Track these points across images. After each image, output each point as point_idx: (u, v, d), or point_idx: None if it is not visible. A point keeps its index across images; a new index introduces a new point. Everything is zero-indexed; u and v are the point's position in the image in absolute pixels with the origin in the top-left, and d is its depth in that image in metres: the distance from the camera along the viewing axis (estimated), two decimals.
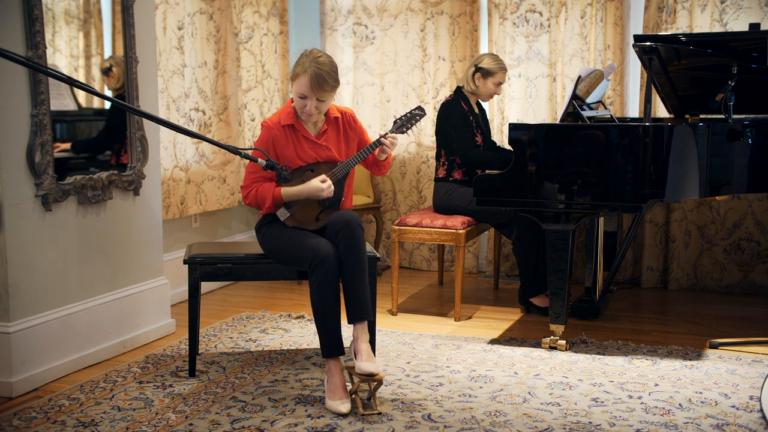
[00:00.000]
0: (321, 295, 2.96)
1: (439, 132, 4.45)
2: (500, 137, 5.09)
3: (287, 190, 3.14)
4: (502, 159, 4.26)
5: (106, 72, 3.61)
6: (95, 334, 3.48)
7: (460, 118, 4.35)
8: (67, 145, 3.44)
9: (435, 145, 5.10)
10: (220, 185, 4.84)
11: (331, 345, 2.97)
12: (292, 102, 3.21)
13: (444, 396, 3.04)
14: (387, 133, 3.22)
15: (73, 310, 3.37)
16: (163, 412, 2.88)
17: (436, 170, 4.47)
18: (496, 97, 5.09)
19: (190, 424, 2.77)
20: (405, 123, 3.30)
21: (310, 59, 3.06)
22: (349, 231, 3.03)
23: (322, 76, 3.03)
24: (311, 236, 3.09)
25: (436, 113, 4.64)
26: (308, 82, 3.04)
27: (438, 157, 4.47)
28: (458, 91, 4.47)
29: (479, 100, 4.55)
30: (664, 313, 4.37)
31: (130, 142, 3.68)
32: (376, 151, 3.25)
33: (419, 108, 3.33)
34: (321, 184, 3.11)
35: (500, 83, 4.43)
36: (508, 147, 4.60)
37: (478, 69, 4.39)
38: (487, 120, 4.64)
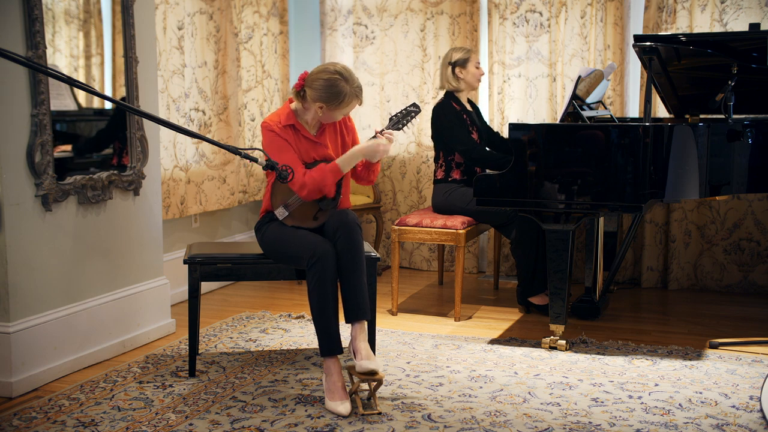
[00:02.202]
0: (318, 293, 2.97)
1: (434, 135, 4.45)
2: None
3: (342, 158, 3.15)
4: (505, 158, 4.25)
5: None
6: (95, 334, 3.48)
7: (453, 118, 4.34)
8: (68, 146, 3.44)
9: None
10: (220, 185, 4.84)
11: (329, 344, 2.97)
12: (291, 103, 3.24)
13: (444, 396, 3.04)
14: (383, 130, 3.23)
15: (73, 310, 3.37)
16: (163, 412, 2.88)
17: (435, 172, 4.47)
18: (496, 96, 5.09)
19: (190, 424, 2.77)
20: (401, 119, 3.30)
21: (350, 86, 3.08)
22: (347, 230, 3.03)
23: (361, 89, 3.15)
24: (309, 234, 3.10)
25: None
26: (358, 101, 3.14)
27: (436, 159, 4.46)
28: (447, 93, 4.47)
29: (469, 98, 4.56)
30: (664, 313, 4.37)
31: (130, 142, 3.68)
32: None
33: (414, 105, 3.33)
34: (379, 140, 3.14)
35: (479, 62, 4.46)
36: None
37: (453, 65, 4.42)
38: (481, 115, 4.63)
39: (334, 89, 3.06)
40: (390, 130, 3.23)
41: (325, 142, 3.23)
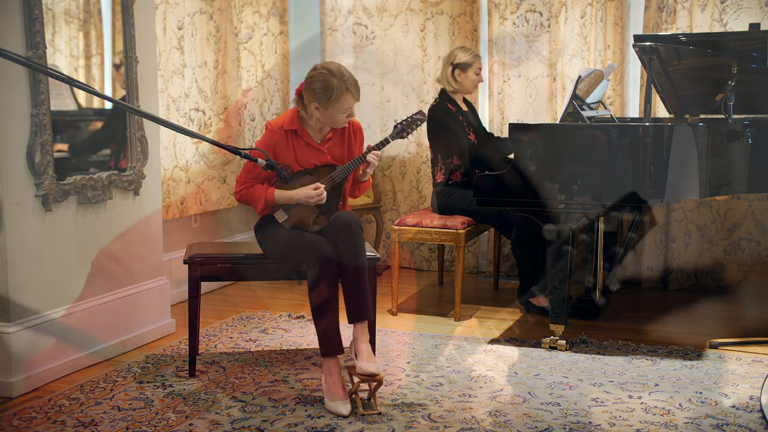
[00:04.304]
0: (320, 293, 2.96)
1: (431, 138, 4.44)
2: None
3: (280, 194, 3.15)
4: (504, 159, 4.25)
5: (117, 67, 3.63)
6: (95, 334, 3.48)
7: (450, 121, 4.33)
8: (67, 146, 3.44)
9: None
10: (220, 185, 4.84)
11: (330, 344, 2.97)
12: (297, 109, 3.23)
13: (444, 396, 3.04)
14: (372, 148, 3.21)
15: (73, 310, 3.37)
16: (163, 412, 2.88)
17: (434, 176, 4.45)
18: (496, 96, 5.09)
19: (190, 424, 2.77)
20: (405, 128, 3.31)
21: (339, 79, 3.06)
22: (349, 231, 3.03)
23: (356, 85, 3.12)
24: (310, 235, 3.11)
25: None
26: (353, 96, 3.11)
27: (434, 162, 4.44)
28: (442, 93, 4.46)
29: (465, 97, 4.55)
30: (664, 313, 4.36)
31: (130, 142, 3.67)
32: (362, 167, 3.24)
33: (420, 113, 3.34)
34: (311, 191, 3.12)
35: (480, 69, 4.43)
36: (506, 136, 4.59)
37: (455, 66, 4.40)
38: (477, 115, 4.63)
39: (322, 85, 3.07)
40: (376, 151, 3.21)
41: (328, 151, 3.23)
